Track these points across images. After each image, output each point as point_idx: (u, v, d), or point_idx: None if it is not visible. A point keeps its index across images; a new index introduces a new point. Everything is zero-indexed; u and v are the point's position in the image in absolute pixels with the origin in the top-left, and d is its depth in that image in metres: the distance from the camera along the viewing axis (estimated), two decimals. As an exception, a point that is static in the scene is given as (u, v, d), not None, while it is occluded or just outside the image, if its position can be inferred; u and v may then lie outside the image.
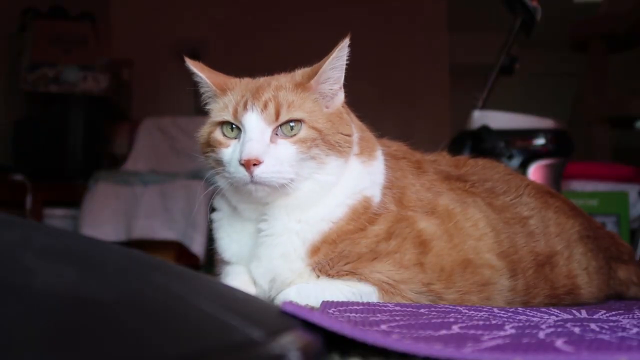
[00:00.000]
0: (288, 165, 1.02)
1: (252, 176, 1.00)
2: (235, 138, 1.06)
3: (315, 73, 1.07)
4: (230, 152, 1.05)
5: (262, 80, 1.12)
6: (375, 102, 4.62)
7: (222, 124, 1.07)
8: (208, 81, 1.11)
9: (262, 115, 1.02)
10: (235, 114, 1.05)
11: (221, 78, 1.13)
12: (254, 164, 0.99)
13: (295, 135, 1.03)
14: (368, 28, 4.94)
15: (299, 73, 1.11)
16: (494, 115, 2.50)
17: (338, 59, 1.06)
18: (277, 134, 1.03)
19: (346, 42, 1.05)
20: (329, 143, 1.05)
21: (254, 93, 1.05)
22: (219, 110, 1.09)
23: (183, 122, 4.10)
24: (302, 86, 1.07)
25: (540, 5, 2.49)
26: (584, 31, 4.92)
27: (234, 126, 1.06)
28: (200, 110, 1.16)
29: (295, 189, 1.04)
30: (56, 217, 3.71)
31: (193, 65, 1.12)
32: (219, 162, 1.07)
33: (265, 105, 1.03)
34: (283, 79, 1.10)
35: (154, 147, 4.16)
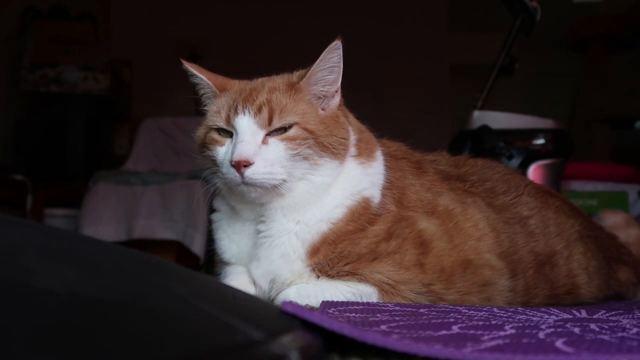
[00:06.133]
0: (279, 166, 1.02)
1: (243, 177, 1.00)
2: (230, 137, 1.06)
3: (305, 74, 1.07)
4: (223, 152, 1.05)
5: (257, 81, 1.12)
6: (375, 102, 4.62)
7: (217, 129, 1.08)
8: (209, 82, 1.11)
9: (255, 119, 1.03)
10: (228, 119, 1.05)
11: (219, 79, 1.13)
12: (245, 165, 1.00)
13: (284, 133, 1.03)
14: (369, 28, 4.93)
15: (296, 74, 1.11)
16: (493, 115, 2.50)
17: (327, 62, 1.06)
18: (268, 135, 1.03)
19: (335, 44, 1.04)
20: (322, 145, 1.05)
21: (247, 95, 1.05)
22: (213, 114, 1.09)
23: (183, 122, 4.10)
24: (295, 87, 1.07)
25: (540, 5, 2.49)
26: (584, 31, 4.93)
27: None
28: (200, 112, 1.17)
29: (289, 189, 1.04)
30: (56, 217, 3.71)
31: (191, 67, 1.12)
32: (215, 162, 1.07)
33: (259, 109, 1.03)
34: (278, 80, 1.10)
35: (154, 147, 4.16)
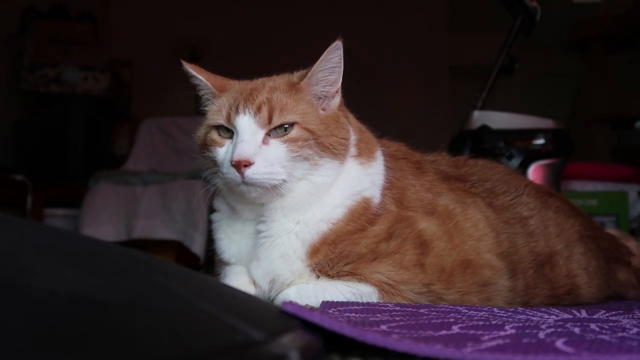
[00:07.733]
0: (280, 166, 1.02)
1: (243, 177, 1.00)
2: (230, 138, 1.06)
3: (306, 75, 1.07)
4: (223, 152, 1.05)
5: (258, 81, 1.12)
6: (375, 102, 4.62)
7: (217, 127, 1.08)
8: (208, 83, 1.11)
9: (255, 118, 1.03)
10: (229, 117, 1.05)
11: (219, 80, 1.13)
12: (245, 165, 0.99)
13: (286, 134, 1.03)
14: (369, 28, 4.93)
15: (296, 74, 1.11)
16: (493, 115, 2.50)
17: (327, 62, 1.06)
18: (269, 135, 1.03)
19: (336, 45, 1.04)
20: (322, 145, 1.05)
21: (248, 95, 1.05)
22: (214, 113, 1.09)
23: (183, 122, 4.10)
24: (296, 87, 1.07)
25: (540, 5, 2.49)
26: (584, 31, 4.93)
27: (228, 128, 1.06)
28: (200, 112, 1.17)
29: (289, 189, 1.04)
30: (56, 217, 3.71)
31: (191, 68, 1.12)
32: (215, 162, 1.07)
33: (259, 109, 1.03)
34: (279, 80, 1.10)
35: (154, 147, 4.16)
